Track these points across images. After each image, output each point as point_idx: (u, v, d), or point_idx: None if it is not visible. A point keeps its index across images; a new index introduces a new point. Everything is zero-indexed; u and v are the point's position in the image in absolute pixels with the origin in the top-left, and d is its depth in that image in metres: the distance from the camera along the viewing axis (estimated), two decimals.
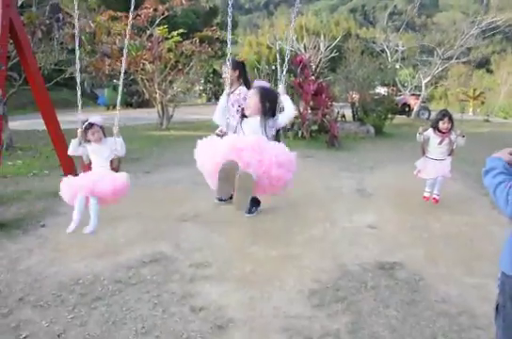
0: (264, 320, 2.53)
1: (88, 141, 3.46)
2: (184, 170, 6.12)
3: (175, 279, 3.01)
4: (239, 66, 4.16)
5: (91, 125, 3.44)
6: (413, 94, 16.56)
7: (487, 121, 15.70)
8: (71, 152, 3.49)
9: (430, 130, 4.50)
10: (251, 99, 2.73)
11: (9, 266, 3.24)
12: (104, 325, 2.48)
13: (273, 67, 30.14)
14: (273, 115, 2.66)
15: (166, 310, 2.62)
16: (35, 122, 12.36)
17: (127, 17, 9.36)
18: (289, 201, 4.79)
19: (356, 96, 10.82)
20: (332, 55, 14.30)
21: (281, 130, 2.74)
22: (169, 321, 2.51)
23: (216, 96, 23.80)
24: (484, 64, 28.89)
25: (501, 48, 28.96)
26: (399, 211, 4.53)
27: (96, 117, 3.53)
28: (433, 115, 16.42)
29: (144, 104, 19.24)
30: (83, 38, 9.78)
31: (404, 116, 14.10)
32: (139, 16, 9.85)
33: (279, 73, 2.78)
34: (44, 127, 10.44)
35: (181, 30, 9.62)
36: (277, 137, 2.71)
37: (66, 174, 5.30)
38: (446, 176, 4.53)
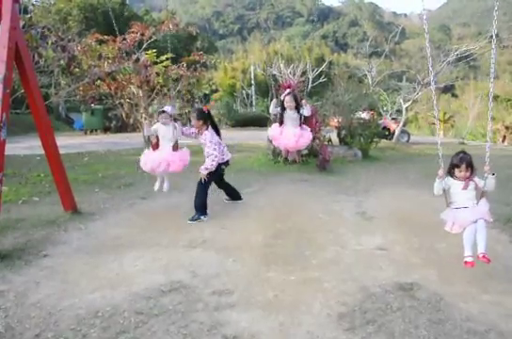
0: None
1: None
2: (181, 196, 6.07)
3: (199, 308, 2.94)
4: (203, 116, 5.11)
5: (163, 112, 5.03)
6: (393, 118, 17.27)
7: (462, 143, 16.44)
8: (146, 132, 5.60)
9: (448, 177, 3.53)
10: (291, 101, 5.10)
11: (17, 300, 3.08)
12: None
13: (249, 91, 30.65)
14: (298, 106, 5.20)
15: None
16: (12, 147, 12.02)
17: (114, 40, 9.45)
18: (295, 226, 4.81)
19: (338, 120, 11.16)
20: (320, 80, 14.79)
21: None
22: None
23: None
24: (449, 89, 30.50)
25: (464, 74, 30.78)
26: (403, 233, 4.62)
27: (168, 106, 5.22)
28: (412, 138, 17.19)
29: (123, 128, 19.07)
30: (61, 62, 9.75)
31: (384, 139, 14.63)
32: (125, 40, 9.92)
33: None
34: (25, 152, 10.14)
35: (169, 54, 9.74)
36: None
37: (63, 201, 5.21)
38: (486, 219, 3.37)
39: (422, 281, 3.38)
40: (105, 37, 9.82)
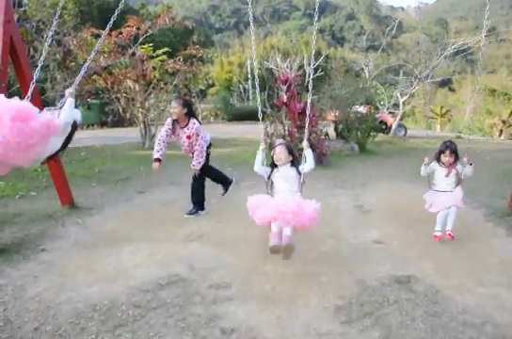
0: None
1: None
2: (178, 190, 6.07)
3: (197, 301, 2.95)
4: (189, 105, 4.88)
5: None
6: (390, 112, 17.29)
7: (459, 137, 16.46)
8: None
9: (434, 162, 4.17)
10: (281, 153, 3.51)
11: (16, 293, 3.09)
12: None
13: (245, 85, 30.61)
14: (297, 163, 3.56)
15: (195, 334, 2.56)
16: None
17: (110, 35, 9.39)
18: None
19: (335, 114, 11.15)
20: (317, 74, 14.77)
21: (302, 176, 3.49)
22: None
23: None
24: (446, 83, 30.51)
25: (461, 68, 30.76)
26: (400, 226, 4.64)
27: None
28: (409, 132, 17.21)
29: (119, 123, 19.00)
30: (57, 56, 9.69)
31: (381, 133, 14.66)
32: (121, 34, 9.85)
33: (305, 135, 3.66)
34: None
35: (165, 49, 9.67)
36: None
37: (61, 195, 5.20)
38: (459, 206, 4.08)
39: (418, 274, 3.40)
40: (101, 31, 9.73)
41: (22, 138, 2.83)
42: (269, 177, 3.51)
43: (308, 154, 3.45)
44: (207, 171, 5.09)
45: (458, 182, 4.13)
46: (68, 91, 3.47)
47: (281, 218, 3.16)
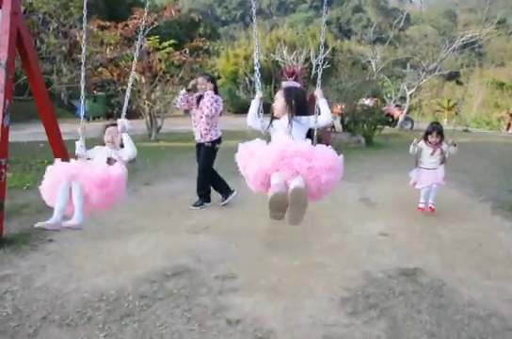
0: (304, 330, 2.52)
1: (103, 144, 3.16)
2: (184, 182, 6.08)
3: (203, 292, 2.96)
4: (213, 79, 4.96)
5: (112, 125, 3.13)
6: (397, 105, 17.19)
7: (466, 130, 16.33)
8: (78, 151, 3.20)
9: (422, 142, 4.64)
10: (277, 100, 2.71)
11: (24, 283, 3.12)
12: None
13: (251, 77, 30.44)
14: (303, 113, 2.66)
15: (201, 324, 2.57)
16: (15, 134, 12.07)
17: (116, 27, 9.36)
18: None
19: (342, 107, 11.08)
20: (323, 67, 14.65)
21: (315, 131, 2.67)
22: (208, 335, 2.46)
23: None
24: (454, 76, 30.11)
25: (469, 61, 30.29)
26: (406, 219, 4.64)
27: (123, 120, 3.09)
28: (415, 125, 17.09)
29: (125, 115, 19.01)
30: (63, 48, 9.67)
31: (387, 126, 14.58)
32: (127, 26, 9.81)
33: (318, 78, 2.85)
34: (29, 139, 10.19)
35: (172, 41, 9.63)
36: (310, 137, 2.69)
37: None
38: (440, 183, 4.64)
39: (424, 266, 3.40)
40: (107, 23, 9.70)
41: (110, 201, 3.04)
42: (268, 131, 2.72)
43: (322, 105, 2.66)
44: (211, 177, 5.11)
45: (442, 160, 4.62)
46: (120, 121, 3.08)
47: (286, 165, 2.26)
